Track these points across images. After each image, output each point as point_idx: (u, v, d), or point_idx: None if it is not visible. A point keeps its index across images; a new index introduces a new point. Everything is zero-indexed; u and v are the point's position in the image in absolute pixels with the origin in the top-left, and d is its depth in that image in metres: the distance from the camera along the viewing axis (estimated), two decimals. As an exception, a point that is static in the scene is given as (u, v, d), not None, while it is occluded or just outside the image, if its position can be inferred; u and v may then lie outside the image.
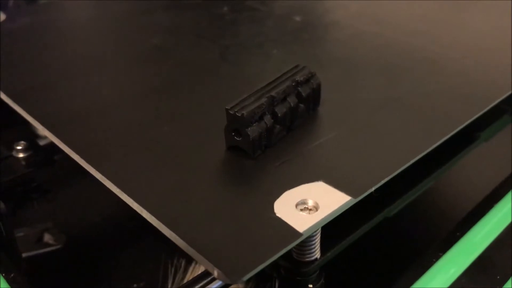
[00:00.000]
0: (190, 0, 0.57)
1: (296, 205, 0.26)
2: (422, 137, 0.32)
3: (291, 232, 0.25)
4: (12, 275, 0.34)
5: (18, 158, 0.39)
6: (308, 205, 0.26)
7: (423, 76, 0.41)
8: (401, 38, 0.47)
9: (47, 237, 0.46)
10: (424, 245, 0.38)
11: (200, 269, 0.41)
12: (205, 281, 0.29)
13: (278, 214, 0.26)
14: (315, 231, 0.28)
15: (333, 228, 0.27)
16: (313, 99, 0.34)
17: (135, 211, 0.28)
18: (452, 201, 0.45)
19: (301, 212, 0.26)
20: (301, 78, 0.33)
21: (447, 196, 0.46)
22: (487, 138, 0.41)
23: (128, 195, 0.27)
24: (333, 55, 0.45)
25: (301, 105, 0.33)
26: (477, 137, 0.39)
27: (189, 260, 0.42)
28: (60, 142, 0.32)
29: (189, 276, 0.41)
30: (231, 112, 0.29)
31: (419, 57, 0.44)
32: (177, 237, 0.25)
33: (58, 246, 0.46)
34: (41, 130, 0.34)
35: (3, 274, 0.34)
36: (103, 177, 0.29)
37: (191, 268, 0.42)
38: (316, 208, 0.26)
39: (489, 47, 0.45)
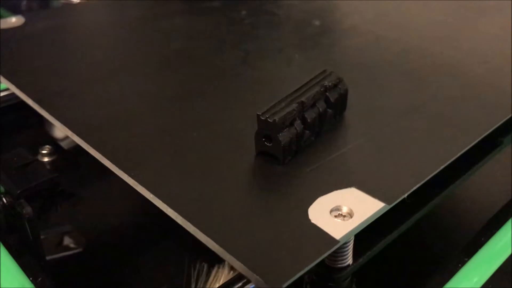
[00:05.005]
0: (207, 3, 0.58)
1: (330, 212, 0.27)
2: (450, 143, 0.33)
3: (327, 239, 0.25)
4: (40, 279, 0.35)
5: (43, 163, 0.39)
6: (342, 212, 0.27)
7: (445, 82, 0.41)
8: (420, 44, 0.47)
9: (68, 241, 0.46)
10: (449, 251, 0.38)
11: (223, 273, 0.41)
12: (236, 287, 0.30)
13: (313, 221, 0.26)
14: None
15: (364, 234, 0.27)
16: (341, 104, 0.34)
17: (156, 215, 0.28)
18: (474, 207, 0.45)
19: (335, 219, 0.26)
20: (330, 84, 0.33)
21: (468, 202, 0.46)
22: (509, 143, 0.41)
23: (162, 201, 0.28)
24: (354, 60, 0.45)
25: (329, 111, 0.33)
26: (500, 142, 0.39)
27: (212, 264, 0.42)
28: (90, 148, 0.32)
29: (212, 280, 0.41)
30: (263, 118, 0.30)
31: (439, 62, 0.44)
32: (214, 244, 0.25)
33: (79, 249, 0.46)
34: (71, 135, 0.34)
35: (31, 278, 0.34)
36: (136, 183, 0.29)
37: (213, 272, 0.42)
38: (350, 214, 0.26)
39: (509, 52, 0.45)
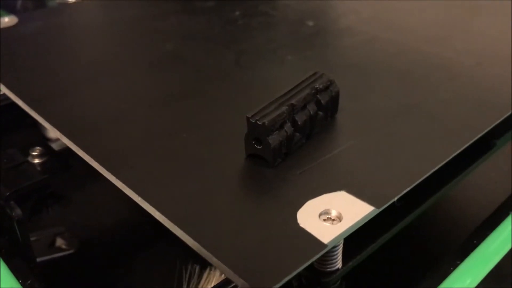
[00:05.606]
0: (201, 3, 0.57)
1: (319, 215, 0.26)
2: (442, 146, 0.32)
3: (315, 243, 0.25)
4: (29, 281, 0.34)
5: (34, 164, 0.39)
6: (331, 215, 0.26)
7: (438, 83, 0.41)
8: (415, 44, 0.47)
9: (59, 242, 0.46)
10: (441, 254, 0.38)
11: (214, 275, 0.41)
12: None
13: (301, 225, 0.26)
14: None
15: (354, 238, 0.27)
16: (332, 106, 0.34)
17: (148, 216, 0.28)
18: (467, 209, 0.45)
19: (324, 223, 0.26)
20: (321, 86, 0.33)
21: (462, 203, 0.46)
22: (502, 145, 0.41)
23: (150, 204, 0.27)
24: (347, 61, 0.45)
25: (320, 113, 0.33)
26: (493, 144, 0.39)
27: (204, 266, 0.42)
28: (79, 149, 0.32)
29: (203, 282, 0.41)
30: (252, 120, 0.29)
31: (433, 63, 0.44)
32: (201, 247, 0.25)
33: (70, 251, 0.45)
34: (60, 137, 0.34)
35: (20, 281, 0.34)
36: (124, 185, 0.29)
37: (205, 274, 0.42)
38: (339, 218, 0.26)
39: (503, 53, 0.45)
